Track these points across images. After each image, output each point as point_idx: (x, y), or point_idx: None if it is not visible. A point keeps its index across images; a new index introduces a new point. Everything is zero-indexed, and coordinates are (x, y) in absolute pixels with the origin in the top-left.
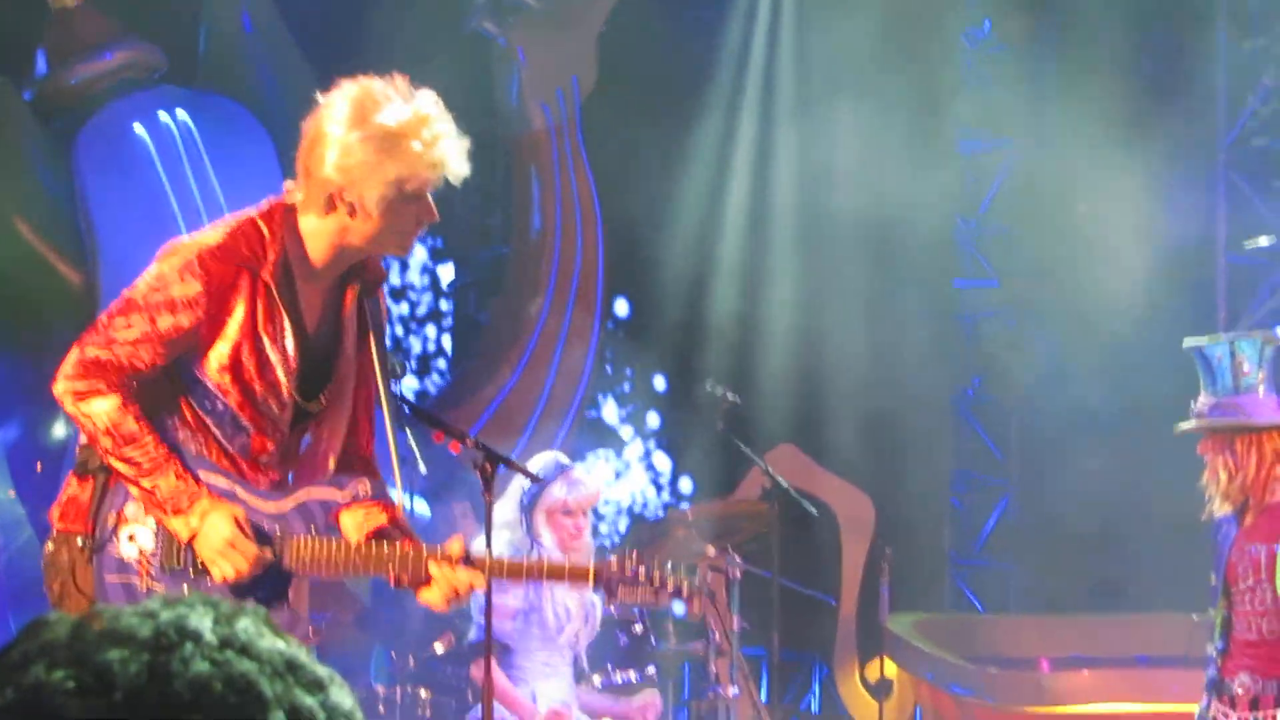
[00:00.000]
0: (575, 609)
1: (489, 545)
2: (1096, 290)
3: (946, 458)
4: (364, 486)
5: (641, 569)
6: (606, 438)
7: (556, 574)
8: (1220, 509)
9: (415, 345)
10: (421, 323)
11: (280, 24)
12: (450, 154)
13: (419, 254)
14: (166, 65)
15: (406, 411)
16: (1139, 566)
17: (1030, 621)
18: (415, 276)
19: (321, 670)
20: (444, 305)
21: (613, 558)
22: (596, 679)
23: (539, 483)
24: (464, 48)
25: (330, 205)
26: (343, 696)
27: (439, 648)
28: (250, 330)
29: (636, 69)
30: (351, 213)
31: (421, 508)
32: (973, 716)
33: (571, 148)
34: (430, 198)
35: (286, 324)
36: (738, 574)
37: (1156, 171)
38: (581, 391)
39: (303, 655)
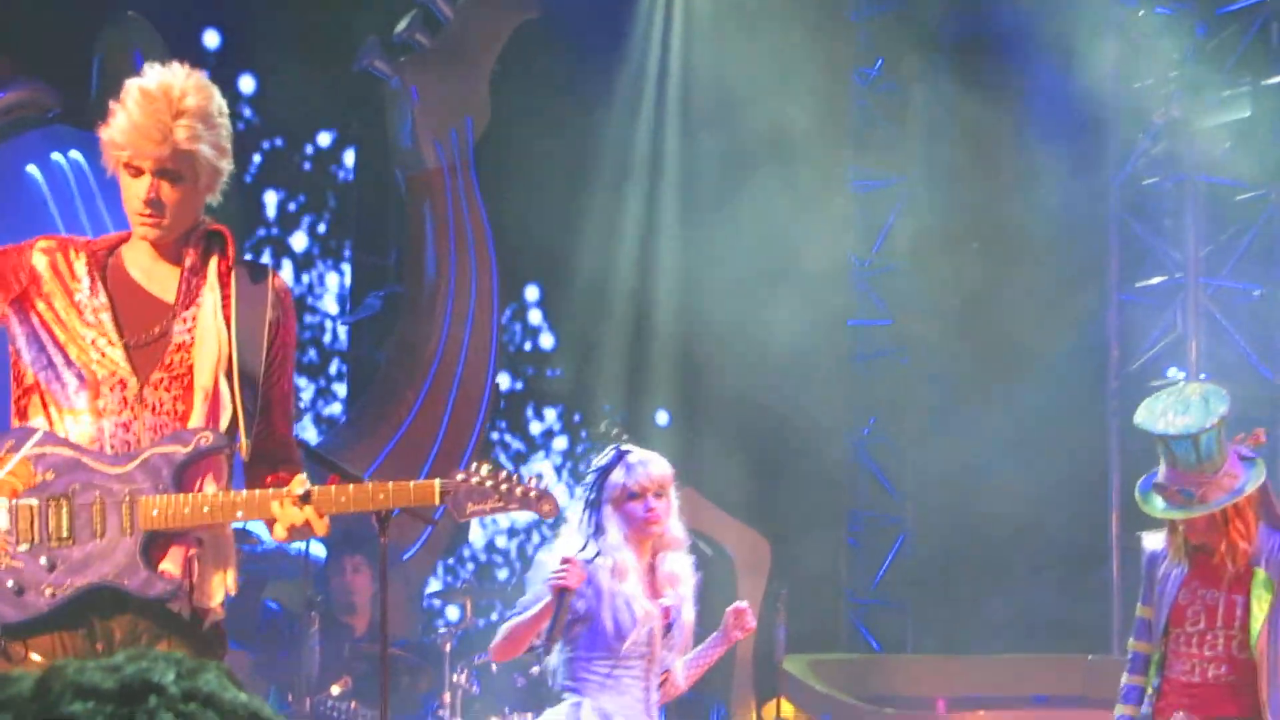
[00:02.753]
0: (640, 613)
1: (383, 589)
2: (988, 329)
3: (842, 497)
4: (205, 439)
5: (489, 479)
6: None
7: (402, 498)
8: (1173, 549)
9: (308, 385)
10: (319, 363)
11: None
12: (144, 127)
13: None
14: (60, 105)
15: (302, 455)
16: (1035, 606)
17: (927, 661)
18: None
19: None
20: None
21: (458, 473)
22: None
23: (601, 470)
24: (358, 88)
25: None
26: None
27: (335, 690)
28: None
29: (529, 107)
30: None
31: (318, 550)
32: None
33: (465, 186)
34: (146, 179)
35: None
36: None
37: (1048, 210)
38: (478, 429)
39: (264, 707)
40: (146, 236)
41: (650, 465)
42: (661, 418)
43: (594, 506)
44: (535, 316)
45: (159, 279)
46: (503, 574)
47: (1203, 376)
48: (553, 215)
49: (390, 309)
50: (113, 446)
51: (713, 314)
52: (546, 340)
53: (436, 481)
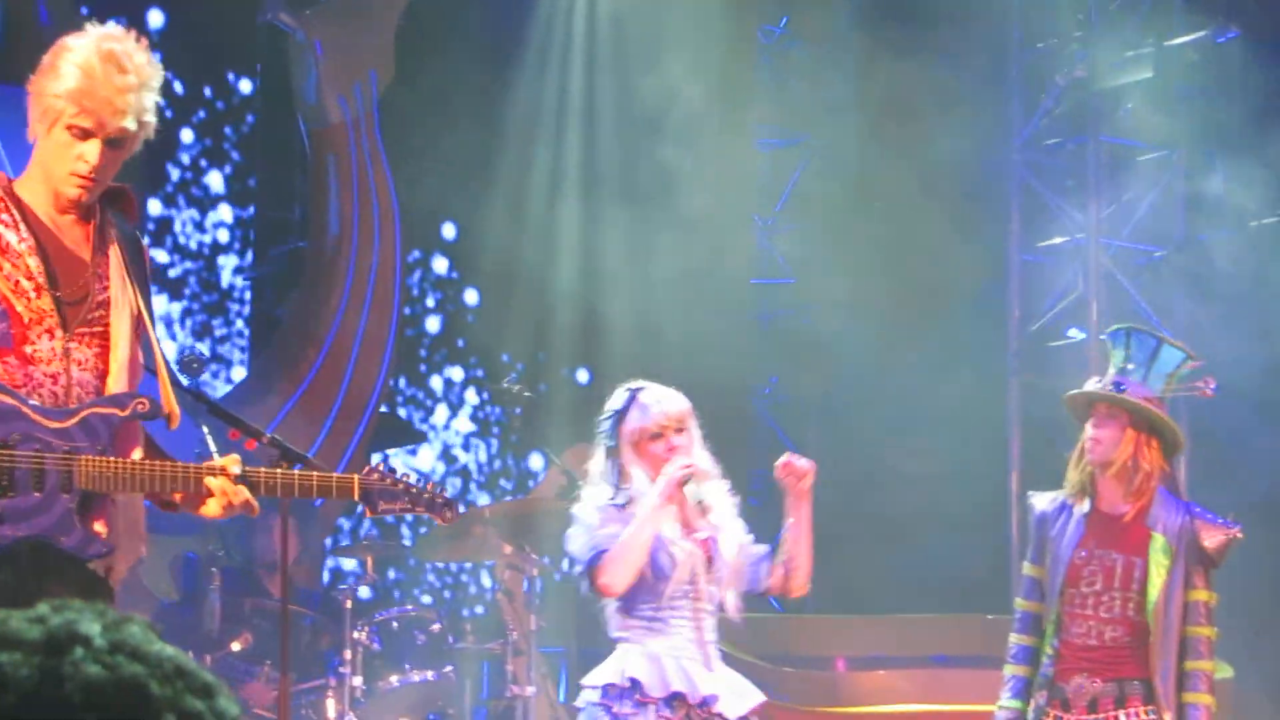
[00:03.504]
0: (681, 555)
1: (284, 541)
2: (891, 288)
3: (744, 457)
4: (142, 405)
5: (401, 482)
6: (405, 435)
7: (324, 488)
8: (1071, 493)
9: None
10: (222, 316)
11: (77, 15)
12: (111, 97)
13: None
14: None
15: (204, 408)
16: (934, 565)
17: (827, 621)
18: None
19: (209, 676)
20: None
21: (373, 471)
22: (394, 678)
23: (615, 414)
24: (263, 40)
25: (30, 122)
26: (229, 704)
27: (236, 646)
28: None
29: (434, 62)
30: (34, 129)
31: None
32: (770, 717)
33: (369, 143)
34: (96, 144)
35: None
36: (534, 572)
37: (951, 169)
38: (379, 388)
39: (190, 662)
40: (75, 198)
41: (666, 402)
42: (583, 375)
43: (614, 453)
44: (441, 268)
45: (68, 232)
46: (402, 533)
47: (1102, 338)
48: (458, 171)
49: (293, 264)
50: (40, 397)
51: (616, 271)
52: (452, 296)
53: (356, 478)
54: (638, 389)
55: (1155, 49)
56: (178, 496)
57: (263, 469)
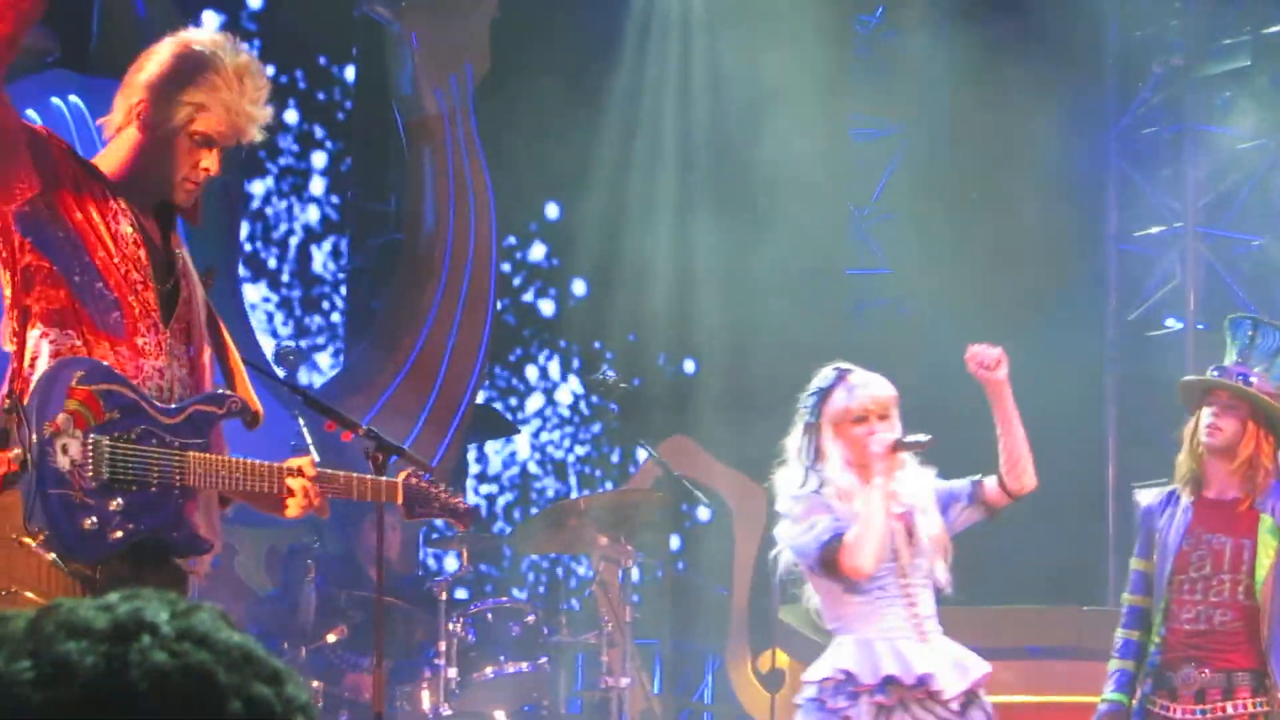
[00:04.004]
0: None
1: (380, 534)
2: (987, 278)
3: None
4: (235, 404)
5: (433, 488)
6: (500, 426)
7: (376, 493)
8: (1182, 479)
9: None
10: (316, 307)
11: (174, 7)
12: (251, 111)
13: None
14: (59, 50)
15: (300, 400)
16: (1030, 556)
17: None
18: (320, 264)
19: (278, 663)
20: (340, 290)
21: (412, 475)
22: (489, 669)
23: (820, 391)
24: (360, 32)
25: (128, 116)
26: (298, 690)
27: (331, 638)
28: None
29: (530, 56)
30: (141, 126)
31: None
32: None
33: (465, 135)
34: (216, 153)
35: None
36: (630, 564)
37: (1047, 159)
38: (474, 380)
39: (259, 649)
40: (183, 202)
41: (874, 386)
42: (689, 366)
43: (813, 430)
44: (538, 256)
45: (150, 227)
46: (497, 525)
47: (1199, 327)
48: (554, 164)
49: (389, 256)
50: (148, 390)
51: (712, 261)
52: (549, 287)
53: (400, 482)
54: (846, 369)
55: (1252, 37)
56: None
57: (334, 471)
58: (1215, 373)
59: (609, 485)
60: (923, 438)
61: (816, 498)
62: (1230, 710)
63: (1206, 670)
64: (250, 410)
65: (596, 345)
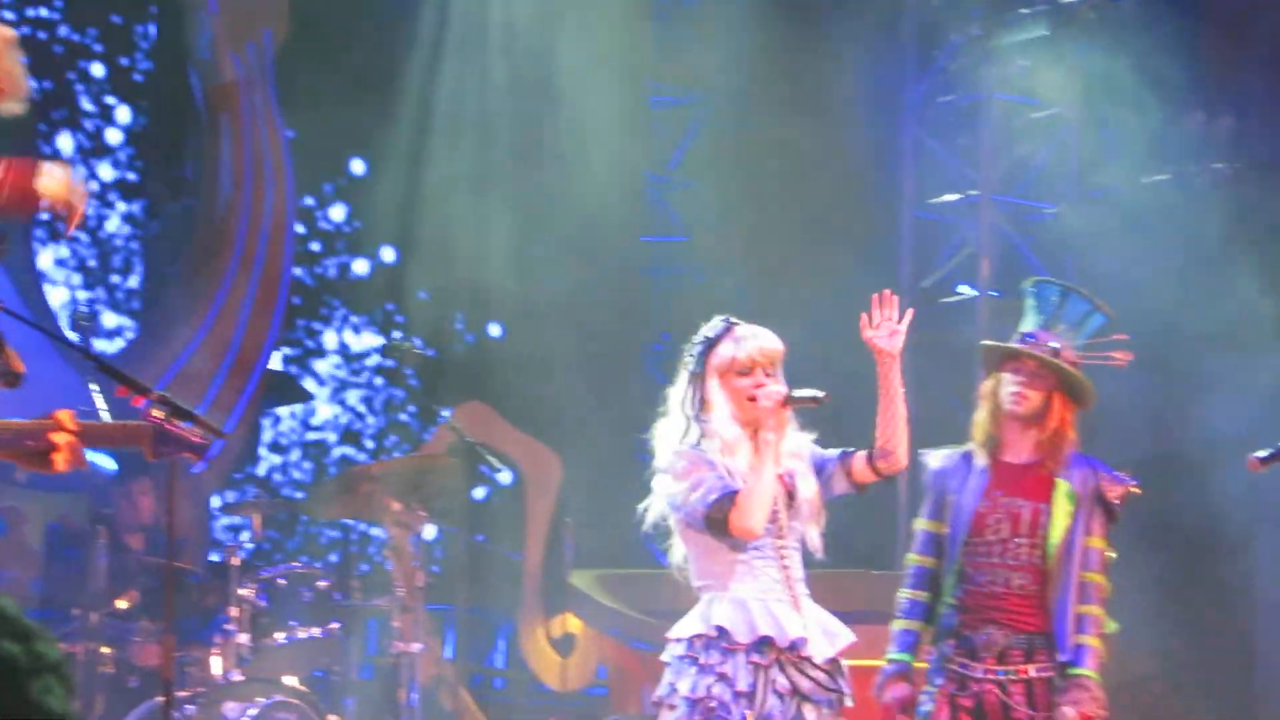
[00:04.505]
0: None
1: (171, 499)
2: (783, 245)
3: (633, 413)
4: None
5: (175, 425)
6: (295, 392)
7: (117, 434)
8: (981, 443)
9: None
10: (112, 272)
11: None
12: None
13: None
14: None
15: (93, 365)
16: (834, 522)
17: None
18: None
19: (30, 623)
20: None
21: (153, 412)
22: (280, 635)
23: (707, 340)
24: None
25: None
26: (49, 648)
27: (121, 604)
28: None
29: (330, 22)
30: None
31: (108, 462)
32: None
33: (263, 102)
34: None
35: None
36: (422, 529)
37: (846, 127)
38: (269, 346)
39: (11, 607)
40: None
41: (762, 339)
42: (495, 330)
43: (698, 380)
44: (337, 217)
45: None
46: (291, 491)
47: (993, 294)
48: (354, 131)
49: (186, 222)
50: None
51: (509, 227)
52: (346, 253)
53: (146, 423)
54: (733, 321)
55: (1050, 7)
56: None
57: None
58: (1023, 339)
59: (403, 451)
60: (815, 392)
61: (699, 453)
62: (1033, 673)
63: (1008, 632)
64: (12, 371)
65: (393, 310)
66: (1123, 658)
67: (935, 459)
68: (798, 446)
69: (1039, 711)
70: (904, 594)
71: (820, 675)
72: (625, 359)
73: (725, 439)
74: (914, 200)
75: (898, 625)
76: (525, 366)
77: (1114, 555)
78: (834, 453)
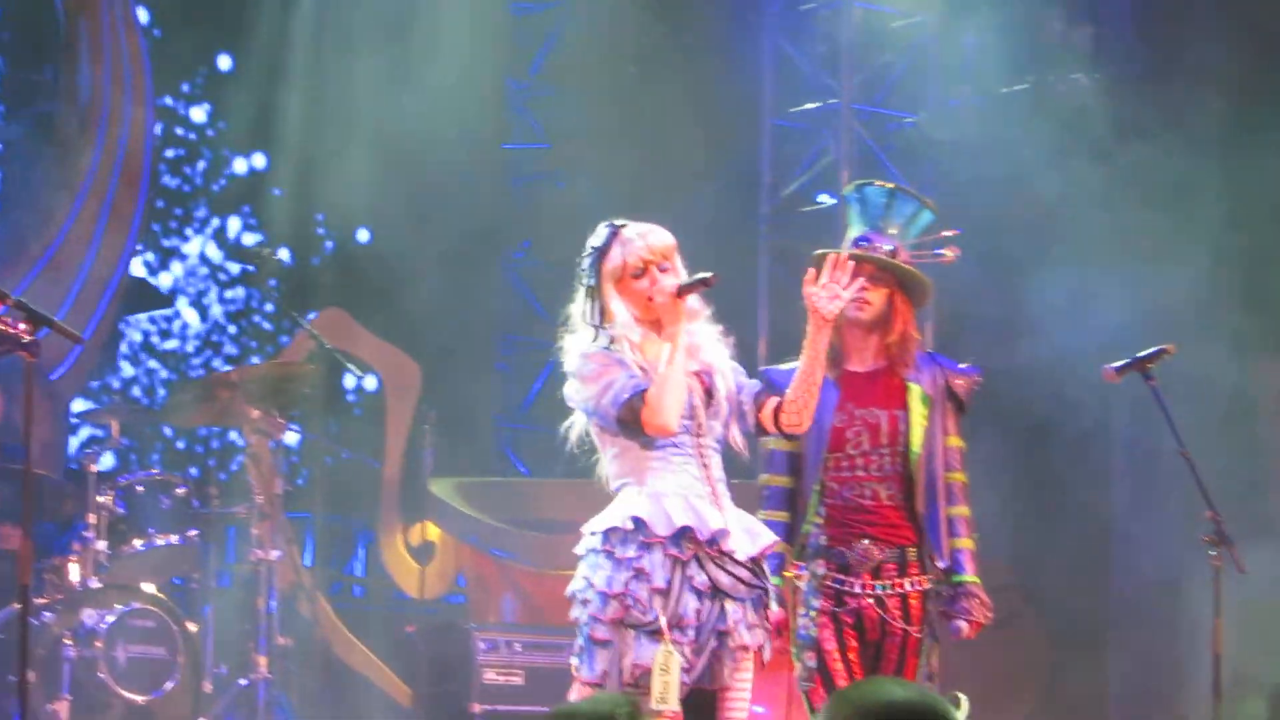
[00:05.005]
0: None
1: (28, 413)
2: (645, 154)
3: (493, 321)
4: None
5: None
6: (154, 299)
7: None
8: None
9: None
10: None
11: None
12: None
13: None
14: None
15: None
16: None
17: (574, 485)
18: None
19: None
20: None
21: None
22: (138, 542)
23: (595, 250)
24: None
25: None
26: None
27: None
28: None
29: None
30: None
31: None
32: (514, 580)
33: (123, 6)
34: None
35: None
36: (281, 436)
37: (706, 35)
38: (128, 252)
39: None
40: None
41: (650, 235)
42: (363, 235)
43: (594, 293)
44: (199, 118)
45: None
46: (148, 398)
47: (846, 194)
48: (213, 31)
49: (46, 127)
50: None
51: (367, 132)
52: (204, 158)
53: None
54: (619, 225)
55: None
56: None
57: None
58: (856, 243)
59: (263, 358)
60: (703, 275)
61: (608, 354)
62: (908, 587)
63: (882, 546)
64: None
65: (253, 214)
66: (981, 569)
67: (780, 374)
68: (715, 346)
69: (913, 625)
70: (762, 516)
71: (742, 572)
72: (486, 266)
73: (634, 341)
74: (773, 108)
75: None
76: (385, 273)
77: (964, 448)
78: (752, 384)
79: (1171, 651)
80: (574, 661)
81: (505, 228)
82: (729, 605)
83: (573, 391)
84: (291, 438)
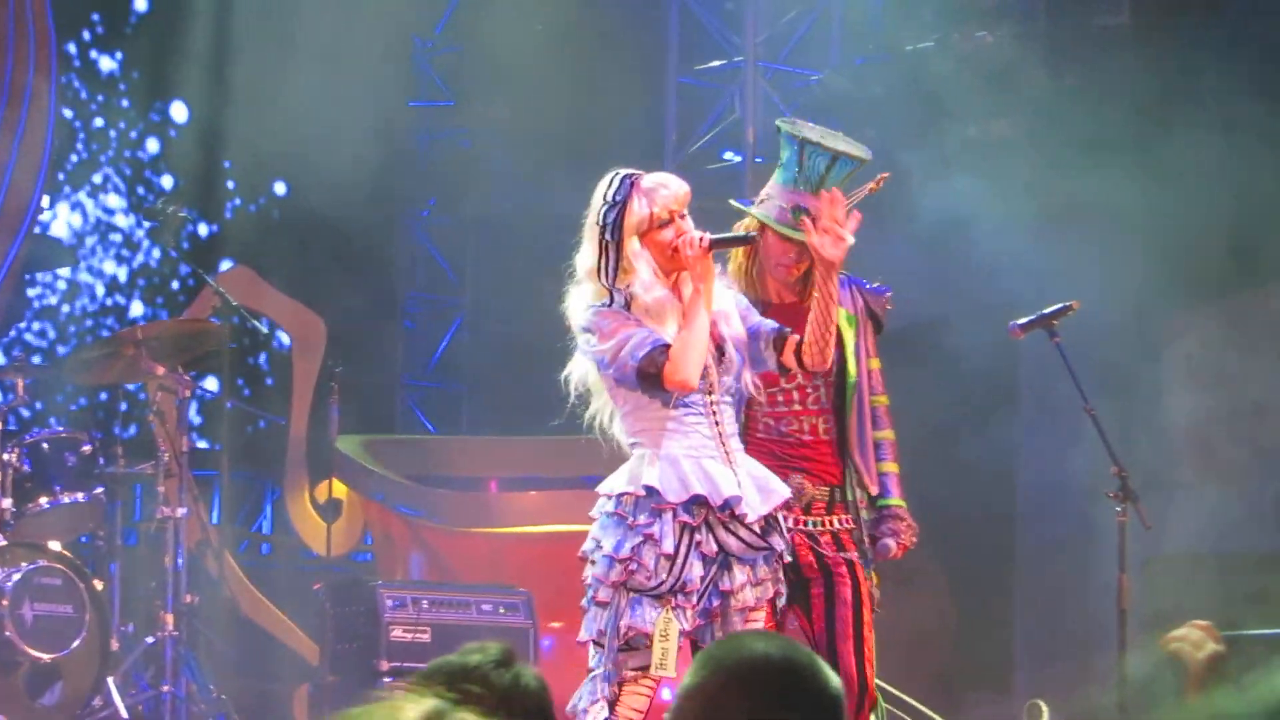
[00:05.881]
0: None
1: None
2: (551, 111)
3: (400, 279)
4: None
5: None
6: (59, 255)
7: None
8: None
9: None
10: None
11: None
12: None
13: None
14: None
15: None
16: None
17: (481, 442)
18: None
19: None
20: None
21: None
22: (44, 500)
23: (616, 202)
24: None
25: None
26: None
27: None
28: None
29: None
30: None
31: None
32: (421, 538)
33: None
34: None
35: None
36: (187, 394)
37: None
38: (33, 208)
39: None
40: None
41: (671, 184)
42: (280, 188)
43: (613, 246)
44: (108, 66)
45: None
46: (54, 355)
47: (758, 160)
48: None
49: None
50: None
51: (272, 90)
52: (119, 114)
53: None
54: (632, 175)
55: None
56: None
57: None
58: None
59: (168, 315)
60: (748, 234)
61: (623, 312)
62: (836, 524)
63: (815, 482)
64: None
65: (156, 178)
66: None
67: None
68: (724, 290)
69: (852, 552)
70: None
71: (748, 535)
72: (393, 224)
73: (649, 305)
74: (679, 66)
75: None
76: (291, 231)
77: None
78: (769, 323)
79: (1079, 607)
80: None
81: (412, 185)
82: (736, 569)
83: (586, 344)
84: (197, 395)
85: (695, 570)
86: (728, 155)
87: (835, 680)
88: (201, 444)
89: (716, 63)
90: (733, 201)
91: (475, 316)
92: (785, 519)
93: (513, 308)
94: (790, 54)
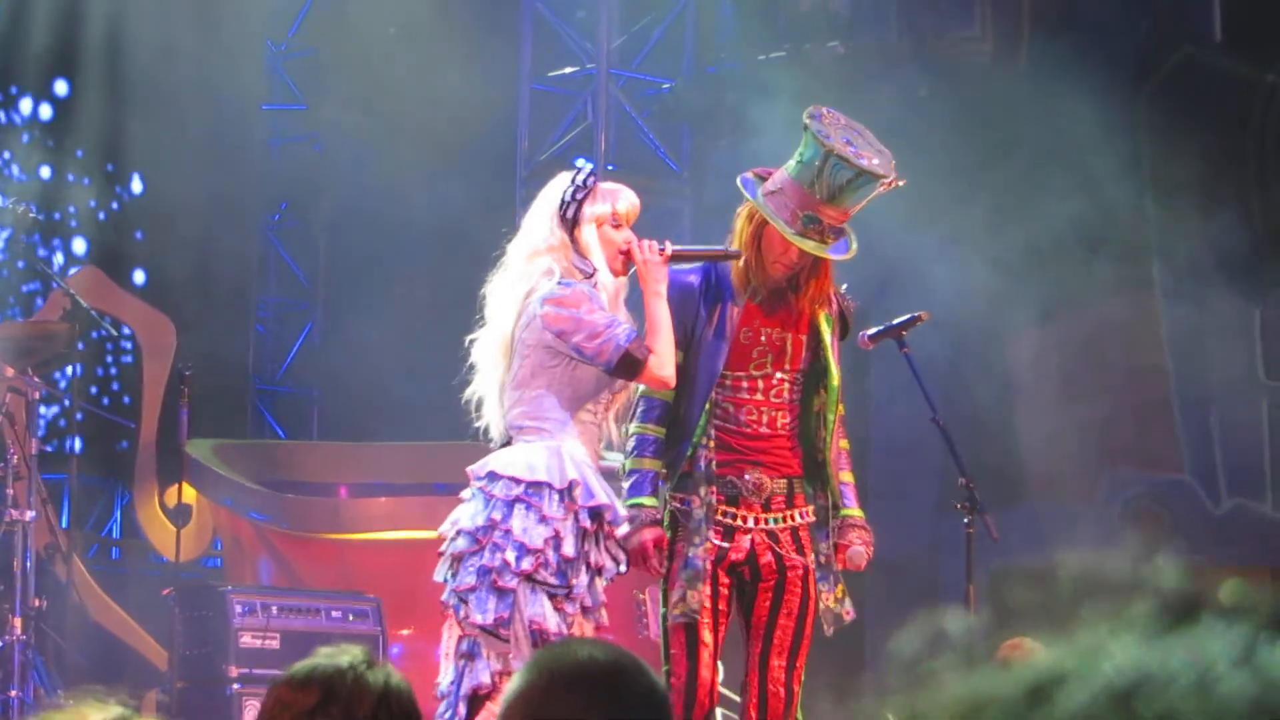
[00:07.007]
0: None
1: None
2: (406, 117)
3: (251, 282)
4: None
5: None
6: None
7: None
8: (735, 276)
9: None
10: None
11: None
12: None
13: None
14: None
15: None
16: (447, 391)
17: (331, 448)
18: None
19: None
20: None
21: None
22: None
23: (580, 187)
24: None
25: None
26: None
27: None
28: None
29: None
30: None
31: None
32: (270, 543)
33: None
34: None
35: None
36: (36, 396)
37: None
38: None
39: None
40: None
41: (629, 193)
42: (137, 185)
43: (570, 224)
44: None
45: None
46: None
47: (610, 168)
48: None
49: None
50: None
51: (127, 88)
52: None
53: None
54: (590, 172)
55: None
56: None
57: None
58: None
59: (16, 316)
60: (725, 248)
61: (594, 291)
62: (798, 519)
63: (773, 476)
64: None
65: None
66: None
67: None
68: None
69: (808, 556)
70: (635, 428)
71: (618, 554)
72: (244, 228)
73: (611, 291)
74: (532, 72)
75: (632, 464)
76: (145, 233)
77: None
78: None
79: (928, 617)
80: (451, 601)
81: (264, 189)
82: (598, 584)
83: (553, 311)
84: (45, 397)
85: (582, 579)
86: (579, 162)
87: (660, 682)
88: (50, 447)
89: (569, 69)
90: (737, 181)
91: (327, 321)
92: (745, 519)
93: (365, 312)
94: (643, 62)
